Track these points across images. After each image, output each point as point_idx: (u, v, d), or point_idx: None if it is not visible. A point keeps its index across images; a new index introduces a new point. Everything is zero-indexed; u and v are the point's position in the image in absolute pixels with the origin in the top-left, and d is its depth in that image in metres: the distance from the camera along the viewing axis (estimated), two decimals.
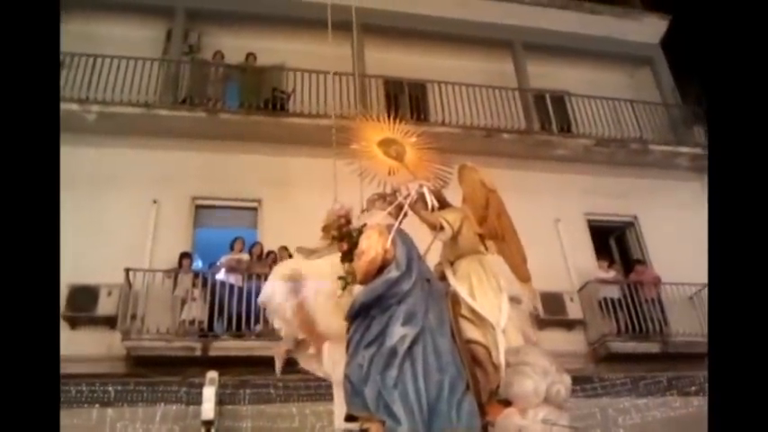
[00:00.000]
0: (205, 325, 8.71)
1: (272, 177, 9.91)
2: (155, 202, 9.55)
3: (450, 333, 3.56)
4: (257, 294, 8.55)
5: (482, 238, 4.07)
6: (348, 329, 3.56)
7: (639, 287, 10.31)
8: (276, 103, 10.53)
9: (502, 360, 3.67)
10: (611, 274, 10.67)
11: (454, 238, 3.96)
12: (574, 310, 9.98)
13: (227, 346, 8.60)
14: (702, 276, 10.22)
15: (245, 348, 8.46)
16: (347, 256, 3.76)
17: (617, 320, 10.04)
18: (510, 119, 11.45)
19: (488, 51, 12.65)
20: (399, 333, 3.28)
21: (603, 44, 13.00)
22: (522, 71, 12.38)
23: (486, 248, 4.09)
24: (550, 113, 12.36)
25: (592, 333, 10.02)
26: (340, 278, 3.76)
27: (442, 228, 3.87)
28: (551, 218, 10.87)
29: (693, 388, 9.78)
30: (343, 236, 3.85)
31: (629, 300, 10.14)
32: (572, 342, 9.91)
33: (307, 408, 7.95)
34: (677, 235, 10.90)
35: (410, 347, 3.27)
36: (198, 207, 9.98)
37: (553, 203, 10.85)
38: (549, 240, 10.55)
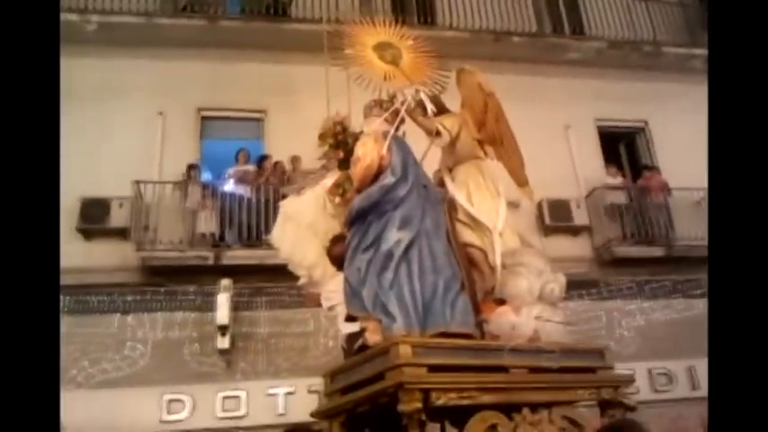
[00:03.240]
0: (217, 235, 8.90)
1: (276, 86, 9.77)
2: (160, 113, 9.50)
3: (447, 237, 3.64)
4: (266, 205, 8.83)
5: (480, 143, 4.05)
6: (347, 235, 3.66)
7: (647, 192, 10.31)
8: (278, 8, 10.23)
9: (498, 262, 3.77)
10: (619, 180, 10.64)
11: (452, 143, 3.95)
12: (580, 217, 10.03)
13: (238, 255, 8.81)
14: None
15: (257, 257, 8.65)
16: (344, 164, 3.79)
17: (623, 226, 10.11)
18: (521, 21, 11.08)
19: None
20: (395, 237, 3.36)
21: None
22: None
23: (485, 154, 4.09)
24: (562, 15, 11.91)
25: (597, 238, 10.12)
26: (337, 185, 3.81)
27: (439, 133, 3.86)
28: (561, 124, 10.73)
29: (698, 291, 9.95)
30: (339, 143, 3.86)
31: (636, 205, 10.17)
32: (577, 247, 10.05)
33: (321, 312, 8.16)
34: (688, 140, 10.72)
35: (406, 251, 3.36)
36: (203, 118, 9.94)
37: (563, 109, 10.66)
38: (559, 147, 10.48)
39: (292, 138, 8.70)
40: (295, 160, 8.95)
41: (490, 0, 10.98)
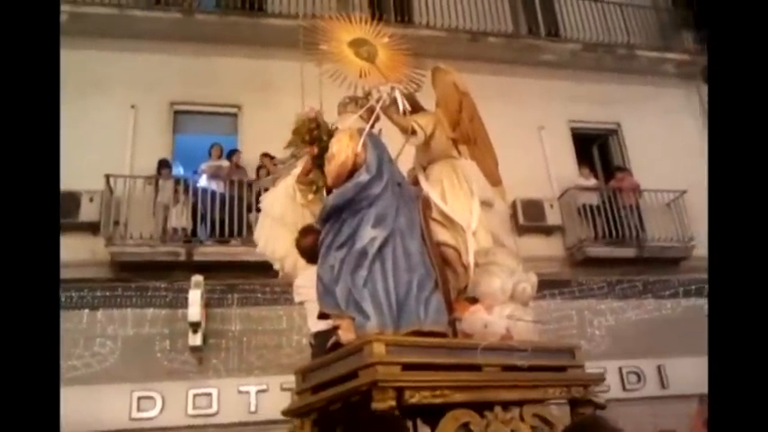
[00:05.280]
0: (189, 231, 8.80)
1: (252, 81, 9.71)
2: (132, 107, 9.36)
3: (421, 235, 3.63)
4: (239, 201, 8.77)
5: (455, 142, 4.05)
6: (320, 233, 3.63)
7: (618, 194, 10.46)
8: (254, 3, 10.14)
9: (471, 261, 3.77)
10: (592, 181, 10.78)
11: (427, 142, 3.94)
12: (553, 217, 10.15)
13: (211, 251, 8.74)
14: (681, 183, 10.47)
15: (230, 254, 8.61)
16: (318, 160, 3.76)
17: (595, 226, 10.25)
18: (497, 22, 11.16)
19: None
20: (369, 235, 3.34)
21: None
22: None
23: (459, 153, 4.09)
24: (538, 17, 12.02)
25: (570, 238, 10.24)
26: (309, 183, 3.79)
27: (414, 132, 3.85)
28: (535, 125, 10.84)
29: (668, 292, 10.16)
30: (314, 139, 3.83)
31: (608, 206, 10.31)
32: (550, 247, 10.17)
33: (294, 310, 8.08)
34: (659, 142, 10.98)
35: (380, 249, 3.34)
36: (177, 112, 9.81)
37: (538, 110, 10.78)
38: (533, 148, 10.59)
39: (267, 134, 8.59)
40: (263, 158, 8.92)
41: (467, 0, 11.04)
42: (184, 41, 9.68)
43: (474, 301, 3.70)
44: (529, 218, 9.89)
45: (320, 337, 3.85)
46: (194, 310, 8.03)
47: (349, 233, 3.36)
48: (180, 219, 8.81)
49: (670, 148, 10.91)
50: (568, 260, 10.22)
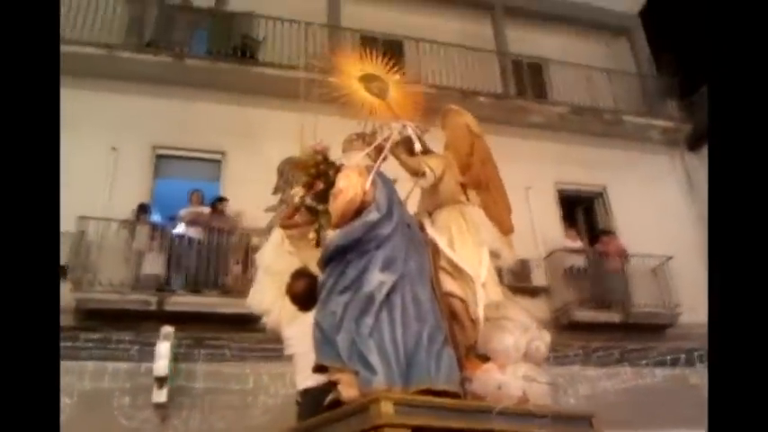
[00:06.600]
0: (162, 279, 8.36)
1: (237, 129, 9.49)
2: (113, 148, 9.04)
3: (431, 283, 3.34)
4: (218, 249, 8.40)
5: (464, 187, 3.83)
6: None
7: (605, 257, 10.32)
8: (246, 52, 10.06)
9: (480, 314, 3.49)
10: (578, 243, 10.65)
11: (435, 186, 3.72)
12: (539, 278, 9.93)
13: (184, 301, 8.28)
14: (665, 249, 10.33)
15: (203, 305, 8.19)
16: (322, 196, 3.49)
17: (581, 289, 10.04)
18: (486, 82, 11.23)
19: (468, 12, 12.36)
20: (378, 279, 3.04)
21: (583, 11, 12.84)
22: (501, 34, 12.15)
23: (468, 198, 3.86)
24: (526, 80, 12.17)
25: (556, 301, 10.00)
26: (295, 226, 3.53)
27: (423, 173, 3.61)
28: (522, 185, 10.72)
29: (645, 361, 9.92)
30: (320, 174, 3.56)
31: (594, 269, 10.15)
32: (536, 309, 9.82)
33: (262, 368, 7.76)
34: (644, 207, 10.98)
35: (388, 295, 3.03)
36: (159, 156, 9.51)
37: (525, 171, 10.68)
38: (520, 208, 10.29)
39: (250, 181, 8.35)
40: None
41: (457, 59, 11.14)
42: (171, 85, 9.50)
43: (484, 359, 3.39)
44: (515, 278, 9.63)
45: (310, 394, 3.51)
46: (161, 364, 7.51)
47: (354, 276, 3.05)
48: (154, 266, 8.37)
49: (654, 214, 10.91)
50: (553, 323, 9.93)
